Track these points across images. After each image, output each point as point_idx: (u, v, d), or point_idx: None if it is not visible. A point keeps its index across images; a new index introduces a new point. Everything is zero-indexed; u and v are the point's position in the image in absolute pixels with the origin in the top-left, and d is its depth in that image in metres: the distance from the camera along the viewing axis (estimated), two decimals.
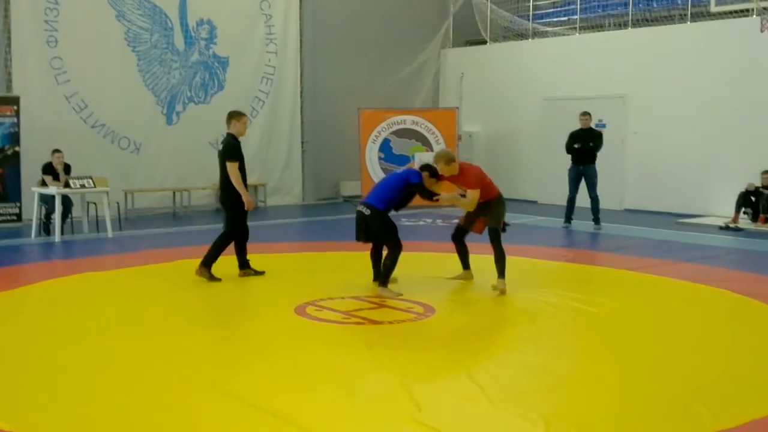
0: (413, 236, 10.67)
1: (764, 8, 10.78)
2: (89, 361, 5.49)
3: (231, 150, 8.06)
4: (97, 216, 11.88)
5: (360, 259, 9.72)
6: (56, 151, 11.60)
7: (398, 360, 5.55)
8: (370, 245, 7.96)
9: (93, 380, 5.10)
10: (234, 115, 8.22)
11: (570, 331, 6.59)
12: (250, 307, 7.19)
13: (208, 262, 8.11)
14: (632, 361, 5.62)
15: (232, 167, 8.00)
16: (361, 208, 7.73)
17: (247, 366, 5.44)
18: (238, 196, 8.03)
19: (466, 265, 8.28)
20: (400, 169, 8.09)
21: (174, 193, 14.55)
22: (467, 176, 7.81)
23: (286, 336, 6.21)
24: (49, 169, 11.46)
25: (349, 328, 6.45)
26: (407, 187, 7.77)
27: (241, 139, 15.66)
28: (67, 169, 11.62)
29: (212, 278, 8.06)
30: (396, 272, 7.73)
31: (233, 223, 8.20)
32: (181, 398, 4.79)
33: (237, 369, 5.37)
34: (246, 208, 8.13)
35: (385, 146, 15.88)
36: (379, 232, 7.68)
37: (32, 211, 11.40)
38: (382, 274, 7.67)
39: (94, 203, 11.88)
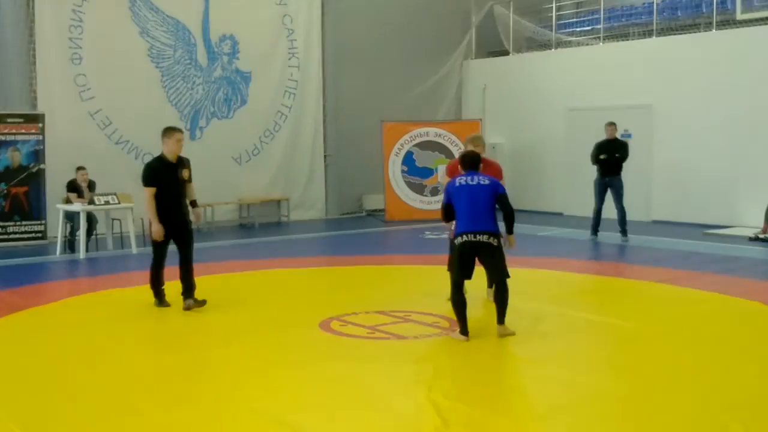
0: (437, 250, 10.48)
1: None
2: (115, 379, 5.45)
3: (145, 174, 7.46)
4: (121, 232, 11.91)
5: (383, 272, 9.69)
6: (80, 168, 11.67)
7: (424, 375, 5.46)
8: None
9: (120, 398, 5.05)
10: (164, 133, 7.54)
11: (598, 345, 6.46)
12: (275, 323, 7.11)
13: (154, 294, 7.71)
14: (661, 375, 5.48)
15: (145, 193, 7.39)
16: (481, 238, 6.32)
17: (273, 382, 5.37)
18: (163, 220, 7.40)
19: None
20: (472, 181, 6.50)
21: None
22: (494, 171, 7.16)
23: (312, 351, 6.14)
24: (73, 186, 11.52)
25: (374, 343, 6.37)
26: (498, 198, 6.50)
27: (266, 150, 15.75)
28: (91, 185, 11.68)
29: (161, 303, 7.67)
30: (424, 287, 7.54)
31: (154, 252, 7.67)
32: (207, 415, 4.73)
33: (263, 385, 5.31)
34: (152, 237, 7.53)
35: (408, 159, 15.81)
36: (503, 264, 6.48)
37: (57, 228, 11.46)
38: (503, 310, 6.48)
39: (119, 220, 11.91)
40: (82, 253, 11.05)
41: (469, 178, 6.53)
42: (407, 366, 5.71)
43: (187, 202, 7.74)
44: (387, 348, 6.23)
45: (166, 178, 7.40)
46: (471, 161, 6.68)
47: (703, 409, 4.76)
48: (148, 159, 13.80)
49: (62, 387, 5.29)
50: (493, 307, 6.60)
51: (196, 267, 7.84)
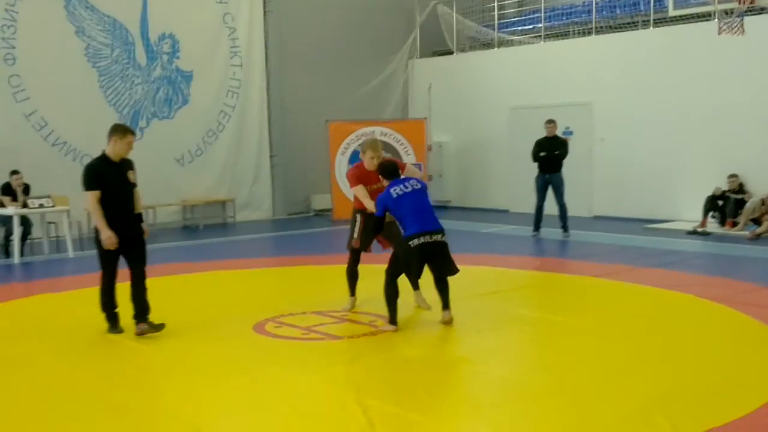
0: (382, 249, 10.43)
1: (724, 11, 10.78)
2: (32, 388, 5.30)
3: (86, 176, 6.41)
4: (57, 236, 11.64)
5: (326, 272, 9.62)
6: (14, 172, 11.37)
7: (354, 376, 5.43)
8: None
9: (36, 407, 4.91)
10: (116, 131, 6.53)
11: (533, 341, 6.50)
12: (208, 324, 6.99)
13: (106, 317, 6.70)
14: (594, 370, 5.53)
15: (89, 198, 6.37)
16: (437, 238, 6.54)
17: (199, 387, 5.27)
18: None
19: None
20: (406, 188, 6.68)
21: None
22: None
23: (242, 355, 6.04)
24: (7, 189, 11.23)
25: (307, 345, 6.31)
26: None
27: (210, 150, 15.28)
28: (26, 189, 11.38)
29: (113, 327, 6.70)
30: (364, 286, 7.48)
31: (103, 266, 6.59)
32: (126, 423, 4.62)
33: (188, 391, 5.20)
34: (104, 246, 6.40)
35: (354, 158, 15.71)
36: (452, 259, 6.71)
37: None
38: (447, 296, 6.77)
39: (55, 223, 11.64)
40: (16, 258, 10.77)
41: (401, 186, 6.68)
42: (338, 367, 5.67)
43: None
44: (320, 349, 6.17)
45: (113, 180, 6.43)
46: (394, 170, 6.85)
47: (629, 402, 4.80)
48: (86, 161, 13.60)
49: None
50: (436, 307, 6.71)
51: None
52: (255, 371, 5.57)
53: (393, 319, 6.66)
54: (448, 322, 6.72)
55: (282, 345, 6.29)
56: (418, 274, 6.72)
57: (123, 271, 6.63)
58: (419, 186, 6.73)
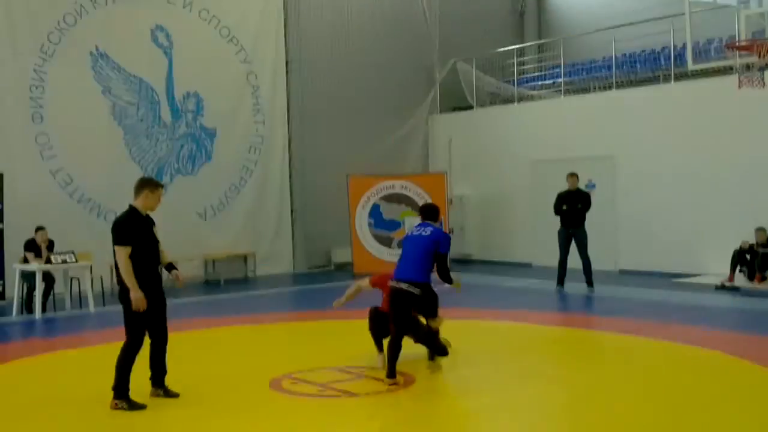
0: None
1: (744, 65, 10.75)
2: None
3: (119, 229, 6.11)
4: (80, 291, 11.69)
5: (345, 327, 9.54)
6: (40, 228, 11.47)
7: None
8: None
9: None
10: (149, 185, 6.37)
11: (554, 401, 6.34)
12: (224, 381, 6.93)
13: (120, 390, 6.08)
14: (612, 428, 5.35)
15: (118, 253, 6.04)
16: (402, 286, 6.56)
17: None
18: (142, 287, 6.07)
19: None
20: (416, 231, 6.81)
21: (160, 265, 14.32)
22: None
23: (256, 413, 5.96)
24: (31, 245, 11.32)
25: (323, 402, 6.21)
26: (435, 255, 6.67)
27: (232, 205, 15.30)
28: (50, 245, 11.48)
29: (134, 406, 6.07)
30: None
31: (132, 330, 6.17)
32: None
33: None
34: (133, 307, 6.05)
35: (374, 212, 15.76)
36: (433, 310, 6.72)
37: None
38: (440, 350, 6.89)
39: (78, 278, 11.70)
40: (38, 314, 10.82)
41: (416, 228, 6.85)
42: (354, 425, 5.57)
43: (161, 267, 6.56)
44: (336, 407, 6.07)
45: (143, 235, 6.15)
46: (429, 213, 7.00)
47: None
48: (110, 217, 13.74)
49: None
50: (457, 363, 6.86)
51: None
52: (265, 429, 5.47)
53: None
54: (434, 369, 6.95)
55: (297, 403, 6.20)
56: (391, 320, 6.72)
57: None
58: (427, 234, 6.71)
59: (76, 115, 13.38)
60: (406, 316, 6.66)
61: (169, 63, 14.62)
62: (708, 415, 5.67)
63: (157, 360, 6.34)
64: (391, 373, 6.51)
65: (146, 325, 6.21)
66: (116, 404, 6.05)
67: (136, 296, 6.02)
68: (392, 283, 6.63)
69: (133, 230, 6.13)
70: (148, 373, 6.38)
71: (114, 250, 6.11)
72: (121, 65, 14.02)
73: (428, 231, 6.74)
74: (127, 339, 6.16)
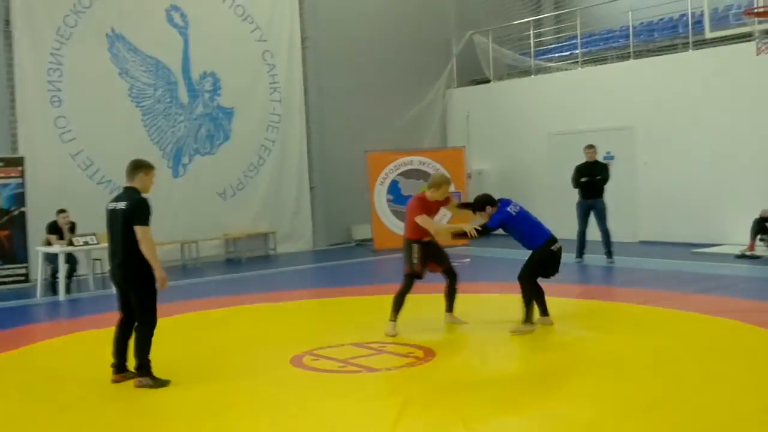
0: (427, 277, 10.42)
1: (763, 31, 10.60)
2: (77, 423, 5.37)
3: (142, 210, 6.11)
4: (102, 272, 11.85)
5: (365, 303, 9.63)
6: (61, 210, 11.63)
7: (391, 409, 5.37)
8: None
9: None
10: (143, 167, 6.36)
11: (575, 373, 6.37)
12: (245, 359, 7.03)
13: (144, 368, 6.20)
14: (639, 402, 5.37)
15: (144, 233, 6.06)
16: (559, 245, 7.72)
17: (234, 422, 5.28)
18: (148, 269, 6.12)
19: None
20: (516, 207, 7.80)
21: (182, 245, 14.50)
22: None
23: (278, 389, 6.04)
24: (53, 227, 11.49)
25: (344, 377, 6.29)
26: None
27: (251, 184, 15.34)
28: (72, 227, 11.63)
29: (159, 383, 6.17)
30: (404, 316, 7.65)
31: (150, 309, 6.22)
32: None
33: (224, 426, 5.22)
34: (159, 287, 6.20)
35: (393, 188, 15.79)
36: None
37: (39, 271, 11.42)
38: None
39: (100, 260, 11.85)
40: (62, 295, 10.99)
41: (511, 206, 7.72)
42: (374, 401, 5.64)
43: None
44: (357, 382, 6.15)
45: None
46: (491, 200, 7.82)
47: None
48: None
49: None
50: (476, 337, 7.07)
51: (176, 305, 7.72)
52: (290, 405, 5.57)
53: (529, 318, 7.56)
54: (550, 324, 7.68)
55: (318, 378, 6.28)
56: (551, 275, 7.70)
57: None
58: (519, 207, 7.76)
59: (94, 98, 13.48)
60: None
61: (185, 43, 14.65)
62: (722, 384, 5.68)
63: (127, 344, 6.32)
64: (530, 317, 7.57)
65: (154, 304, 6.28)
66: (140, 382, 6.15)
67: (163, 275, 6.14)
68: (557, 245, 7.67)
69: (150, 209, 6.19)
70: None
71: (119, 230, 6.10)
72: (138, 46, 14.07)
73: (517, 206, 7.79)
74: (145, 319, 6.21)
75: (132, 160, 6.45)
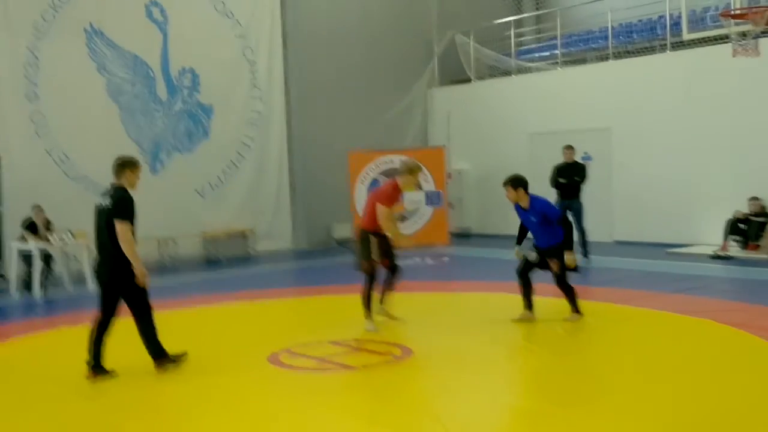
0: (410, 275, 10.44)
1: (740, 33, 10.71)
2: (48, 419, 5.33)
3: (124, 205, 6.17)
4: (78, 270, 11.74)
5: (344, 302, 9.61)
6: (37, 207, 11.52)
7: (367, 407, 5.40)
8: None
9: None
10: (129, 164, 6.40)
11: (546, 372, 6.40)
12: (222, 357, 7.01)
13: (159, 354, 6.44)
14: (612, 400, 5.42)
15: (122, 227, 6.11)
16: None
17: (210, 419, 5.26)
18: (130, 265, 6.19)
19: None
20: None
21: (159, 242, 14.40)
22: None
23: (255, 386, 6.04)
24: (29, 224, 11.37)
25: (321, 376, 6.29)
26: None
27: (230, 182, 15.28)
28: (48, 224, 11.52)
29: (178, 359, 6.55)
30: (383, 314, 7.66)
31: (143, 301, 6.35)
32: None
33: (200, 423, 5.20)
34: (140, 283, 6.26)
35: (374, 187, 15.78)
36: None
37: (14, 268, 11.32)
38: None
39: (76, 257, 11.75)
40: (37, 293, 10.89)
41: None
42: (351, 398, 5.65)
43: None
44: (333, 380, 6.15)
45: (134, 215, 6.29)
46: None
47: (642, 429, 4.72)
48: None
49: None
50: (452, 337, 6.73)
51: (157, 303, 7.63)
52: (267, 403, 5.57)
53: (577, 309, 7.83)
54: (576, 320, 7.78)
55: (295, 376, 6.28)
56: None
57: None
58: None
59: (71, 93, 13.36)
60: None
61: (164, 39, 14.57)
62: (696, 382, 5.74)
63: (103, 341, 6.33)
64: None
65: (144, 297, 6.33)
66: (163, 367, 6.36)
67: (143, 271, 6.22)
68: None
69: (133, 206, 6.26)
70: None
71: (104, 227, 6.18)
72: (116, 42, 13.97)
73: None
74: (140, 311, 6.33)
75: (118, 157, 6.50)
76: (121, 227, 6.11)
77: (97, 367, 6.31)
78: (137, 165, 6.48)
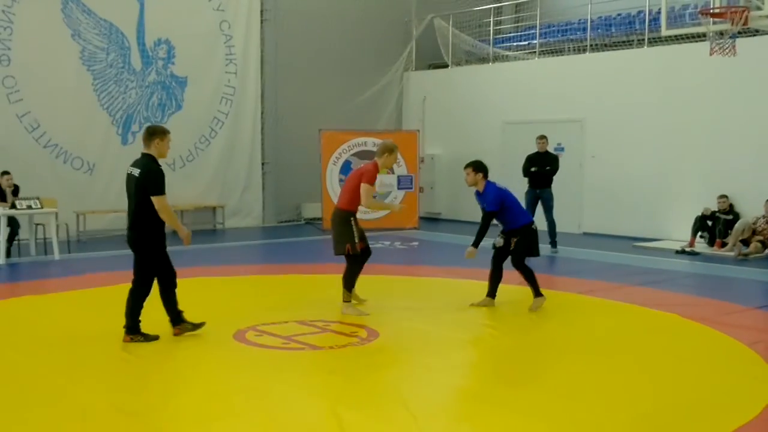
0: (371, 259, 10.47)
1: (718, 32, 10.82)
2: (11, 391, 5.29)
3: (157, 179, 6.41)
4: (45, 238, 11.61)
5: (312, 281, 9.62)
6: (5, 173, 11.36)
7: (332, 387, 5.42)
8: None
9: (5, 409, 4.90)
10: (158, 133, 6.62)
11: (510, 357, 6.49)
12: (188, 333, 6.96)
13: (133, 329, 6.53)
14: (570, 387, 5.52)
15: (160, 202, 6.39)
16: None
17: (174, 395, 5.26)
18: (157, 235, 6.54)
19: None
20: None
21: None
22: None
23: (220, 363, 6.02)
24: None
25: (287, 354, 6.29)
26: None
27: (202, 156, 15.22)
28: (16, 190, 11.36)
29: (149, 338, 6.56)
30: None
31: (145, 275, 6.57)
32: (98, 429, 4.60)
33: (163, 398, 5.19)
34: (185, 243, 6.84)
35: (346, 168, 15.75)
36: None
37: None
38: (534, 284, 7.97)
39: (42, 225, 11.61)
40: (2, 259, 10.74)
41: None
42: (317, 377, 5.67)
43: None
44: (299, 359, 6.16)
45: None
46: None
47: (607, 422, 4.79)
48: (77, 164, 13.63)
49: None
50: (419, 321, 6.79)
51: (117, 275, 7.62)
52: (231, 380, 5.56)
53: (538, 292, 7.90)
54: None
55: (260, 354, 6.28)
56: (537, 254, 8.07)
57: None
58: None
59: (44, 59, 13.15)
60: None
61: (141, 8, 14.36)
62: (650, 371, 5.84)
63: (172, 299, 6.69)
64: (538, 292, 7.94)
65: (157, 270, 6.59)
66: (131, 338, 6.48)
67: (187, 234, 6.78)
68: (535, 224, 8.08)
69: (164, 178, 6.52)
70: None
71: (132, 194, 6.44)
72: (92, 9, 13.75)
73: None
74: (139, 283, 6.55)
75: (147, 126, 6.79)
76: (158, 202, 6.39)
77: (178, 319, 6.68)
78: (166, 133, 6.66)
